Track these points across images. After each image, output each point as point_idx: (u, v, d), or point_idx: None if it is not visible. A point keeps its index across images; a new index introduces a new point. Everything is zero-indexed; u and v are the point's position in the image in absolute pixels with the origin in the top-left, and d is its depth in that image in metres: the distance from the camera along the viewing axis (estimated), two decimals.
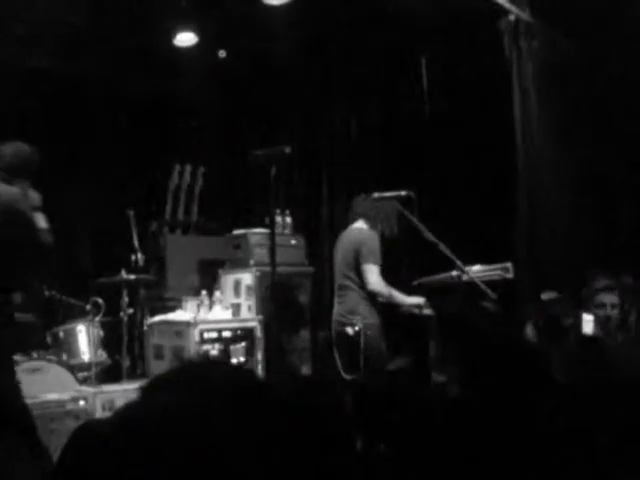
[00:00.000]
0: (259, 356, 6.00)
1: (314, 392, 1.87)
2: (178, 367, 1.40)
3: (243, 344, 5.97)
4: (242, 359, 3.90)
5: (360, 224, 5.34)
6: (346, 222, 5.55)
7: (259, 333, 6.07)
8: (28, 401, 4.70)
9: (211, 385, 1.28)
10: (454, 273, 4.92)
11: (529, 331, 4.60)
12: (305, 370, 6.43)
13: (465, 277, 4.85)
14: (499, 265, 4.91)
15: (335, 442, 1.71)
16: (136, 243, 6.31)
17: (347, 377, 5.12)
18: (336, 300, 5.39)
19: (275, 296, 5.41)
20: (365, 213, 5.32)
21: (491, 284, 4.74)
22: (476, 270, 4.90)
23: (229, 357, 4.45)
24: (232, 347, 3.84)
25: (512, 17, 5.40)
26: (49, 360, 5.51)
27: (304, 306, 6.62)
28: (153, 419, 1.15)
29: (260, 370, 5.93)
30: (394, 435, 2.00)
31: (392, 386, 2.30)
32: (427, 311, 5.01)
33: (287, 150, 3.64)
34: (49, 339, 5.81)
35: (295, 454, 1.53)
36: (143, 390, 1.32)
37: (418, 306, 5.09)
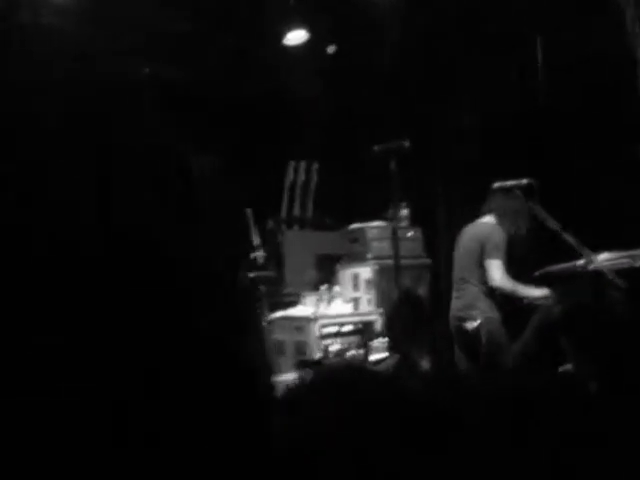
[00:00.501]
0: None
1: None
2: (321, 377, 1.40)
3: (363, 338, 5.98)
4: (383, 355, 3.92)
5: (488, 219, 5.22)
6: (463, 213, 5.46)
7: (379, 326, 6.07)
8: None
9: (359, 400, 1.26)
10: (580, 262, 4.76)
11: None
12: (425, 364, 6.38)
13: (592, 266, 4.69)
14: (629, 252, 4.71)
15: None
16: (255, 241, 6.41)
17: (467, 370, 5.06)
18: (454, 294, 5.32)
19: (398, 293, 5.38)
20: (495, 209, 5.18)
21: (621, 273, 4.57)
22: (603, 258, 4.73)
23: (367, 355, 4.48)
24: (371, 343, 3.85)
25: None
26: None
27: (424, 299, 6.57)
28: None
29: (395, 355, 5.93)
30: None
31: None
32: (549, 303, 4.84)
33: (406, 144, 3.63)
34: None
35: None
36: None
37: (545, 298, 4.94)
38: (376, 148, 3.69)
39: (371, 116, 7.13)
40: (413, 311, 6.33)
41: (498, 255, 4.99)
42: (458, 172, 6.97)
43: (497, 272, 4.99)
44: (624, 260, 4.72)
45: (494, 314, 5.06)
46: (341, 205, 7.10)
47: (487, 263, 5.00)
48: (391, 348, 3.55)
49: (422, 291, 6.58)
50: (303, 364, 4.08)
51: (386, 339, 3.55)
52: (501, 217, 5.11)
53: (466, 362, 5.13)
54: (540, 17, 5.89)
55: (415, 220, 6.80)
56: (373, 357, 4.09)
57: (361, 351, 5.93)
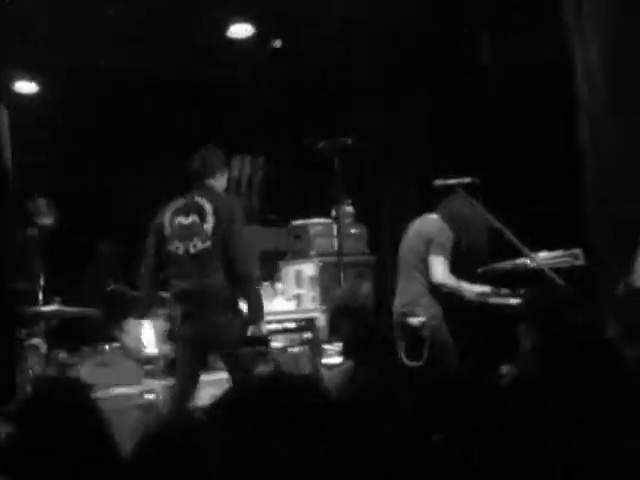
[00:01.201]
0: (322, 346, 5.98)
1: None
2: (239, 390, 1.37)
3: (307, 335, 5.98)
4: (337, 360, 3.98)
5: (433, 216, 5.23)
6: (407, 210, 5.48)
7: (322, 323, 6.06)
8: (97, 395, 4.80)
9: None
10: (521, 260, 4.81)
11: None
12: (369, 361, 6.38)
13: (532, 264, 4.75)
14: (569, 251, 4.77)
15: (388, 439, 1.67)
16: None
17: (411, 364, 5.07)
18: (398, 290, 5.33)
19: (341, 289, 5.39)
20: (443, 209, 5.18)
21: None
22: (543, 257, 4.78)
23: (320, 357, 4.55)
24: (324, 347, 3.86)
25: None
26: (116, 354, 5.60)
27: (367, 296, 6.57)
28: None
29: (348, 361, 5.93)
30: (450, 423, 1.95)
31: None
32: (496, 300, 4.87)
33: (350, 141, 3.61)
34: (116, 333, 5.90)
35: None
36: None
37: (485, 294, 4.98)
38: (320, 145, 3.65)
39: (317, 112, 7.10)
40: (355, 309, 6.33)
41: (442, 252, 5.01)
42: (403, 169, 6.99)
43: (440, 269, 5.00)
44: (564, 259, 4.80)
45: (438, 311, 5.09)
46: (285, 201, 7.06)
47: (430, 259, 5.02)
48: (344, 353, 3.53)
49: (366, 288, 6.58)
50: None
51: (338, 344, 3.53)
52: (449, 216, 5.12)
53: (408, 358, 5.15)
54: (487, 19, 5.94)
55: (359, 217, 6.80)
56: (326, 361, 4.09)
57: (305, 348, 5.93)
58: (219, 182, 4.90)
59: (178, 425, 1.61)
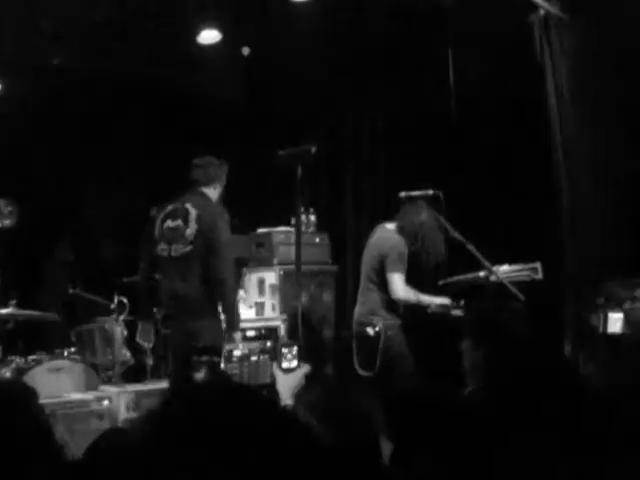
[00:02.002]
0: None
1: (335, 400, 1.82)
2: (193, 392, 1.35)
3: (268, 343, 5.93)
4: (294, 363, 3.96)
5: (389, 226, 5.24)
6: (371, 220, 5.48)
7: (283, 332, 6.04)
8: (51, 400, 4.73)
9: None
10: (482, 273, 4.84)
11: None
12: (327, 369, 6.38)
13: (493, 277, 4.78)
14: (528, 265, 4.81)
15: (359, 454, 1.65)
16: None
17: (364, 373, 5.08)
18: (359, 300, 5.34)
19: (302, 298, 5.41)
20: (399, 219, 5.20)
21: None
22: (504, 270, 4.82)
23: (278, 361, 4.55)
24: (283, 350, 3.83)
25: (542, 12, 5.28)
26: (73, 359, 5.52)
27: (328, 305, 6.57)
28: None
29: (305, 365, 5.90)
30: (428, 444, 1.94)
31: (425, 391, 2.23)
32: (456, 312, 4.89)
33: (313, 150, 3.59)
34: (73, 338, 5.81)
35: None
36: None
37: (444, 306, 5.00)
38: (281, 153, 3.64)
39: (282, 119, 7.09)
40: (315, 318, 6.32)
41: (399, 268, 5.02)
42: (367, 180, 7.00)
43: (399, 285, 5.02)
44: (524, 273, 4.83)
45: (395, 321, 5.11)
46: (249, 209, 7.02)
47: (388, 276, 5.03)
48: (302, 357, 3.53)
49: (327, 297, 6.57)
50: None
51: (296, 347, 3.52)
52: (402, 227, 5.14)
53: (361, 368, 5.16)
54: (451, 32, 5.96)
55: (322, 226, 6.79)
56: (284, 365, 3.99)
57: (266, 356, 5.87)
58: (214, 192, 5.06)
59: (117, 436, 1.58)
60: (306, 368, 2.77)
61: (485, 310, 4.78)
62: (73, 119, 6.95)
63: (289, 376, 2.71)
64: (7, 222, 6.32)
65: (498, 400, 2.07)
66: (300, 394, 2.73)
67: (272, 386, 2.65)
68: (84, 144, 7.04)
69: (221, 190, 5.14)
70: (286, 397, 2.59)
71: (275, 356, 5.00)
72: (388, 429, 2.13)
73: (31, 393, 1.75)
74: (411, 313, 5.18)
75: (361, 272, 5.40)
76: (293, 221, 5.93)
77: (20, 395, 1.68)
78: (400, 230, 5.14)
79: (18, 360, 5.39)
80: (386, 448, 1.94)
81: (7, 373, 5.13)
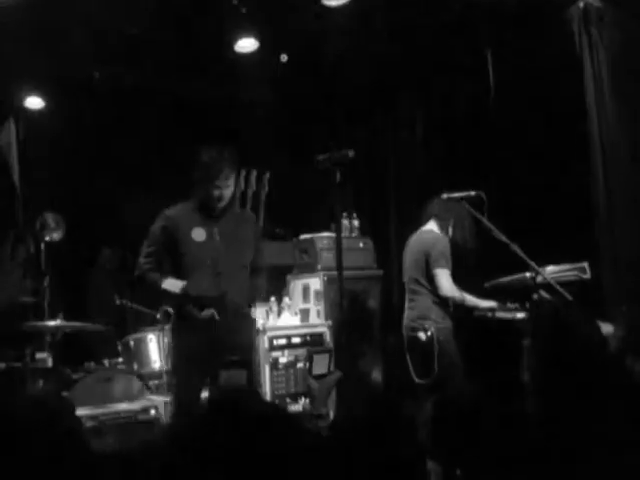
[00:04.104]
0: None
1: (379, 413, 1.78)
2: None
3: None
4: (324, 369, 3.90)
5: (430, 226, 5.22)
6: (415, 223, 5.44)
7: (328, 338, 6.01)
8: (100, 410, 4.77)
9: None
10: (527, 274, 4.76)
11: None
12: (375, 375, 6.34)
13: (539, 278, 4.69)
14: (575, 265, 4.71)
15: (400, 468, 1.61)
16: None
17: (420, 381, 5.02)
18: (407, 304, 5.29)
19: (346, 304, 5.33)
20: (437, 214, 5.19)
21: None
22: (550, 271, 4.73)
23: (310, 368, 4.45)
24: (315, 357, 3.80)
25: (581, 4, 5.19)
26: (120, 369, 5.57)
27: (374, 310, 6.52)
28: None
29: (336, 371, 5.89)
30: (472, 459, 1.89)
31: (475, 403, 2.18)
32: (520, 315, 4.78)
33: (351, 154, 3.56)
34: (120, 348, 5.86)
35: None
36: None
37: (492, 309, 4.92)
38: (320, 158, 3.61)
39: (321, 126, 7.08)
40: (360, 323, 6.28)
41: (444, 264, 4.98)
42: (410, 183, 6.95)
43: (444, 281, 4.97)
44: (571, 273, 4.73)
45: (447, 324, 5.04)
46: (291, 215, 7.02)
47: (434, 272, 4.98)
48: (335, 363, 3.50)
49: (373, 302, 6.53)
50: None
51: (327, 354, 3.50)
52: (441, 222, 5.12)
53: (416, 375, 5.09)
54: (489, 30, 5.88)
55: (366, 230, 6.76)
56: (316, 371, 3.98)
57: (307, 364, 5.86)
58: None
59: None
60: (338, 374, 2.73)
61: (545, 310, 4.70)
62: (114, 130, 7.03)
63: (322, 383, 2.68)
64: (55, 235, 6.41)
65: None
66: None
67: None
68: (130, 155, 7.12)
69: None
70: (320, 404, 2.56)
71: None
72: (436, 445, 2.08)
73: (68, 406, 1.75)
74: (459, 315, 5.12)
75: (404, 276, 5.36)
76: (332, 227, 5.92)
77: (56, 408, 1.68)
78: (441, 228, 5.12)
79: (66, 370, 5.47)
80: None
81: (55, 384, 5.19)
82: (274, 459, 1.20)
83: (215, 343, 4.09)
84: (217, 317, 4.15)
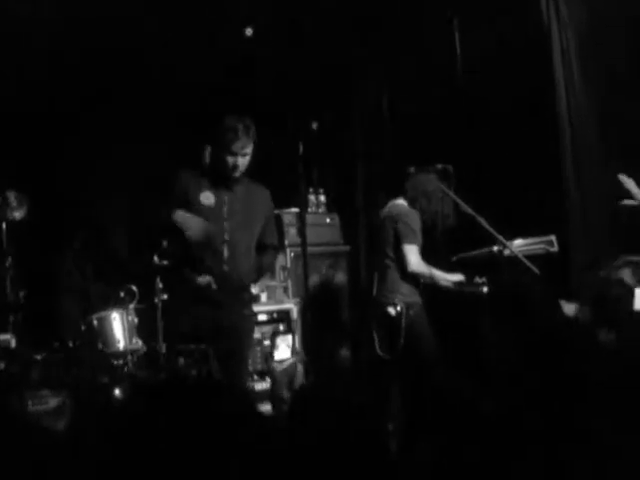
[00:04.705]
0: (296, 338, 5.90)
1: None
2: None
3: (280, 327, 5.87)
4: (286, 354, 3.84)
5: (400, 200, 5.15)
6: (382, 199, 5.39)
7: (295, 315, 5.96)
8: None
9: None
10: (495, 248, 4.74)
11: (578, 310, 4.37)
12: (344, 351, 6.31)
13: (507, 252, 4.67)
14: (543, 238, 4.70)
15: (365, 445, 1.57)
16: None
17: (384, 355, 4.98)
18: (376, 279, 5.24)
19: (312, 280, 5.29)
20: (409, 190, 5.12)
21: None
22: (518, 244, 4.71)
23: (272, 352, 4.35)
24: (276, 340, 3.78)
25: None
26: (86, 349, 5.47)
27: (341, 286, 6.48)
28: None
29: (299, 354, 5.85)
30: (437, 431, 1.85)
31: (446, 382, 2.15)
32: (485, 289, 4.75)
33: (314, 126, 3.49)
34: (83, 328, 5.76)
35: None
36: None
37: (460, 283, 4.90)
38: (282, 130, 3.55)
39: (290, 99, 6.96)
40: (328, 301, 6.23)
41: (412, 239, 4.93)
42: (376, 157, 6.88)
43: (413, 257, 4.92)
44: (538, 246, 4.72)
45: (416, 299, 4.99)
46: None
47: (402, 248, 4.93)
48: (295, 347, 3.47)
49: (340, 277, 6.49)
50: None
51: (290, 336, 3.48)
52: (414, 198, 5.05)
53: (382, 350, 5.05)
54: (458, 4, 5.82)
55: (333, 206, 6.69)
56: (277, 355, 3.98)
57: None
58: None
59: None
60: (300, 357, 2.69)
61: (505, 286, 4.70)
62: (80, 108, 6.86)
63: (283, 366, 2.63)
64: (17, 214, 6.26)
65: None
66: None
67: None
68: (93, 131, 6.97)
69: None
70: (281, 388, 2.51)
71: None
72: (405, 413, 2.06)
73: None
74: (429, 290, 5.09)
75: (374, 250, 5.31)
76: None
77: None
78: (410, 202, 5.05)
79: (29, 351, 5.37)
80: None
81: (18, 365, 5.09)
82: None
83: (206, 319, 4.04)
84: (214, 286, 4.08)
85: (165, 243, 4.75)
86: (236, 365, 4.36)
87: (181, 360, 3.86)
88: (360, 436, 1.80)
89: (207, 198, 4.26)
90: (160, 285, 5.77)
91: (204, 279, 4.08)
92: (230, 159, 4.19)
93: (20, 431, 1.59)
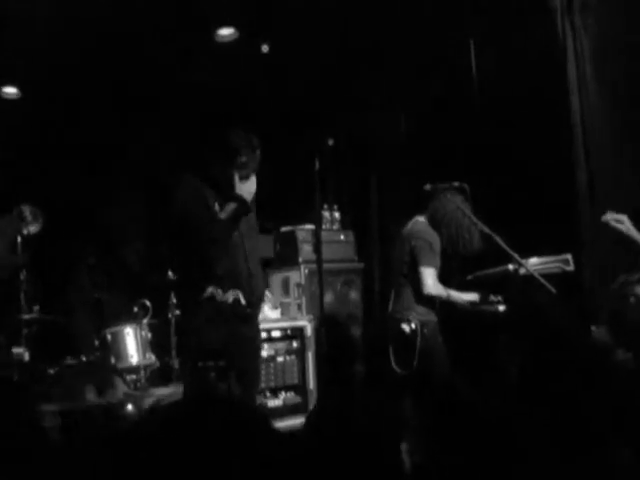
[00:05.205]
0: (310, 355, 5.88)
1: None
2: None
3: (294, 344, 5.86)
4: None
5: (419, 218, 5.10)
6: (397, 216, 5.37)
7: (309, 332, 5.94)
8: (77, 405, 4.69)
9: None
10: (510, 266, 4.70)
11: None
12: (358, 367, 6.28)
13: (522, 270, 4.63)
14: (559, 257, 4.66)
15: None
16: None
17: (400, 371, 4.95)
18: (392, 295, 5.21)
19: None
20: (429, 210, 5.06)
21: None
22: (534, 263, 4.67)
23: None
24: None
25: None
26: (97, 364, 5.48)
27: (355, 303, 6.47)
28: None
29: (311, 370, 5.84)
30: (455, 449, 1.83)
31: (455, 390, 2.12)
32: (502, 308, 4.72)
33: (330, 142, 3.48)
34: (97, 342, 5.77)
35: None
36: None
37: (475, 303, 4.87)
38: (297, 146, 3.54)
39: (302, 116, 6.98)
40: (342, 317, 6.21)
41: (431, 261, 4.87)
42: (391, 175, 6.88)
43: (430, 280, 4.87)
44: (554, 265, 4.68)
45: (431, 317, 4.96)
46: (274, 207, 6.93)
47: (420, 270, 4.89)
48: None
49: (354, 295, 6.47)
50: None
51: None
52: (434, 219, 5.00)
53: (398, 366, 5.03)
54: (473, 20, 5.82)
55: (347, 223, 6.69)
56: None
57: (292, 357, 5.81)
58: None
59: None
60: None
61: (524, 304, 4.66)
62: (100, 123, 6.91)
63: None
64: (32, 228, 6.31)
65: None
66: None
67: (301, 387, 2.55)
68: (110, 147, 7.01)
69: None
70: None
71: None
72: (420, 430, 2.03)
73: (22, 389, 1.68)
74: (444, 309, 5.05)
75: (392, 267, 5.28)
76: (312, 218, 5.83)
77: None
78: (431, 221, 5.01)
79: (42, 364, 5.39)
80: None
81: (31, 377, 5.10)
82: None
83: (234, 334, 3.94)
84: (243, 301, 3.96)
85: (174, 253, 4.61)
86: (253, 379, 4.31)
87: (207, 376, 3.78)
88: (373, 455, 1.79)
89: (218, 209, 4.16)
90: (174, 300, 5.81)
91: (231, 295, 3.99)
92: (236, 175, 4.12)
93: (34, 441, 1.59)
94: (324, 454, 1.69)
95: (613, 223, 4.48)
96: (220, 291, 3.89)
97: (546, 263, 4.66)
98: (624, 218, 4.41)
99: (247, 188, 4.03)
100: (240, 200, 3.96)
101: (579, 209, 5.20)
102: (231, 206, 3.98)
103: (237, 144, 4.10)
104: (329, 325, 5.84)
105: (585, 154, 5.13)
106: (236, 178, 4.08)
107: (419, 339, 4.85)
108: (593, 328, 4.11)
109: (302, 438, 1.85)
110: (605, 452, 1.72)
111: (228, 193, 4.06)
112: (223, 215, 3.98)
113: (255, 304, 4.16)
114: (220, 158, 4.14)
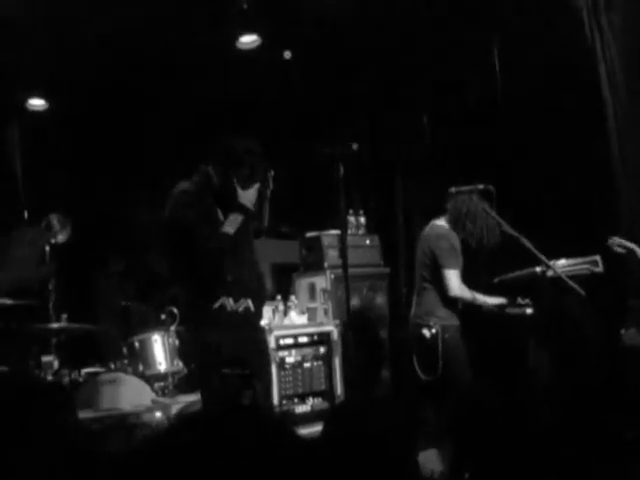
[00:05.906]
0: (337, 361, 5.87)
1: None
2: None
3: (321, 349, 5.85)
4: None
5: (441, 221, 5.06)
6: (422, 220, 5.33)
7: (336, 337, 5.93)
8: (105, 413, 4.71)
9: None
10: (538, 269, 4.66)
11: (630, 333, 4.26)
12: (384, 373, 6.26)
13: (550, 273, 4.59)
14: (587, 258, 4.61)
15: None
16: None
17: (425, 378, 4.92)
18: (414, 300, 5.19)
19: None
20: (449, 211, 5.02)
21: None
22: (562, 265, 4.62)
23: None
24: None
25: None
26: (125, 371, 5.50)
27: (381, 308, 6.44)
28: None
29: (338, 375, 5.83)
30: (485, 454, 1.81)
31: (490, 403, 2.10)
32: (530, 311, 4.67)
33: (354, 147, 3.47)
34: (125, 350, 5.80)
35: None
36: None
37: (502, 306, 4.82)
38: (320, 150, 3.52)
39: (330, 121, 6.98)
40: (368, 322, 6.19)
41: (452, 263, 4.84)
42: (416, 178, 6.85)
43: (454, 282, 4.84)
44: (582, 267, 4.63)
45: (453, 322, 4.92)
46: (299, 213, 6.94)
47: (443, 273, 4.85)
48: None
49: (380, 299, 6.44)
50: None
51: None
52: (456, 219, 4.95)
53: (422, 372, 5.00)
54: (498, 19, 5.78)
55: (373, 228, 6.67)
56: None
57: (319, 362, 5.80)
58: None
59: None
60: None
61: (551, 307, 4.61)
62: (127, 132, 6.95)
63: None
64: (60, 237, 6.35)
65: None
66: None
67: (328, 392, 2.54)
68: (137, 156, 7.05)
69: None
70: None
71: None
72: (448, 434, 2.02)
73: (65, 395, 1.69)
74: (467, 312, 5.01)
75: (415, 271, 5.25)
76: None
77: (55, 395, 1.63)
78: (451, 223, 4.96)
79: (73, 372, 5.41)
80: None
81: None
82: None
83: (246, 342, 3.94)
84: (252, 308, 3.97)
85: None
86: (269, 385, 4.31)
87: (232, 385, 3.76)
88: (385, 462, 1.78)
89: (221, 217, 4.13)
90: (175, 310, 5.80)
91: (242, 304, 3.98)
92: (237, 183, 4.10)
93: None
94: (340, 460, 1.68)
95: (616, 248, 4.47)
96: (231, 300, 3.91)
97: (574, 265, 4.61)
98: (634, 247, 4.40)
99: (249, 196, 4.04)
100: (244, 209, 3.99)
101: (620, 212, 5.12)
102: (237, 217, 3.99)
103: (241, 156, 4.08)
104: (357, 329, 5.81)
105: (621, 159, 5.06)
106: (239, 187, 4.05)
107: (440, 345, 4.81)
108: (622, 331, 4.06)
109: (318, 444, 1.84)
110: (637, 460, 1.69)
111: (231, 202, 4.03)
112: (229, 227, 3.98)
113: (260, 309, 4.17)
114: (223, 168, 4.12)
